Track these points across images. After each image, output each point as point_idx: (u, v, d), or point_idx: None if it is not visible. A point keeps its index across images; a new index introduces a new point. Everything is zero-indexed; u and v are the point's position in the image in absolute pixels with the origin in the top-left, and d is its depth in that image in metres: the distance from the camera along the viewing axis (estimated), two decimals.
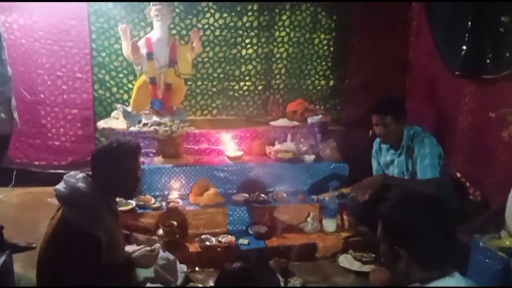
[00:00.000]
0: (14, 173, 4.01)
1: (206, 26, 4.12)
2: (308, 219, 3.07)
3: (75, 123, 4.07)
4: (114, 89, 4.09)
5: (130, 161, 1.96)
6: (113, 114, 3.82)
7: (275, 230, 2.98)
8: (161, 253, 2.38)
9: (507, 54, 2.91)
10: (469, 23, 3.20)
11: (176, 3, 4.00)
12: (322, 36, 4.37)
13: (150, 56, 3.63)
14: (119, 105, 3.91)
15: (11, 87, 2.86)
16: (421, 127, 2.76)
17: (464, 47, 3.25)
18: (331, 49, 4.41)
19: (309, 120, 3.73)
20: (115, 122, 3.57)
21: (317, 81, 4.48)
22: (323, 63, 4.43)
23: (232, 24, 4.15)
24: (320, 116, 3.76)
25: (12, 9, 3.73)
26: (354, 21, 4.33)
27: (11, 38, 3.81)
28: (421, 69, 4.22)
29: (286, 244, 2.86)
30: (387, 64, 4.40)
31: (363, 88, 4.37)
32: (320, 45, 4.39)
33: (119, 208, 2.83)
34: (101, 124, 3.58)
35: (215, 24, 4.13)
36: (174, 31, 4.05)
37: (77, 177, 1.91)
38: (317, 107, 4.36)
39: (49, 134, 4.07)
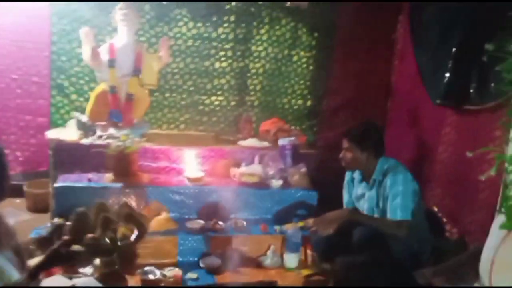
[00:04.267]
0: None
1: (178, 35, 3.86)
2: (268, 252, 2.77)
3: (28, 131, 3.77)
4: (74, 96, 3.79)
5: None
6: (70, 123, 3.52)
7: (231, 263, 2.67)
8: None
9: (492, 85, 2.69)
10: (453, 50, 2.98)
11: (147, 9, 3.75)
12: (302, 53, 4.14)
13: (112, 63, 3.35)
14: (77, 114, 3.62)
15: None
16: (396, 160, 2.51)
17: (447, 75, 3.03)
18: (310, 67, 4.18)
19: (280, 142, 3.48)
20: (66, 132, 3.27)
21: (293, 100, 4.24)
22: (301, 82, 4.20)
23: (206, 35, 3.90)
24: (292, 138, 3.50)
25: None
26: (337, 40, 4.12)
27: None
28: (403, 95, 4.00)
29: (239, 280, 2.55)
30: (369, 87, 4.19)
31: (342, 110, 4.16)
32: (299, 63, 4.16)
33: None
34: (50, 133, 3.27)
35: (188, 33, 3.87)
36: (143, 38, 3.79)
37: None
38: (293, 127, 4.10)
39: None
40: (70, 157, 3.20)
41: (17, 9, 3.51)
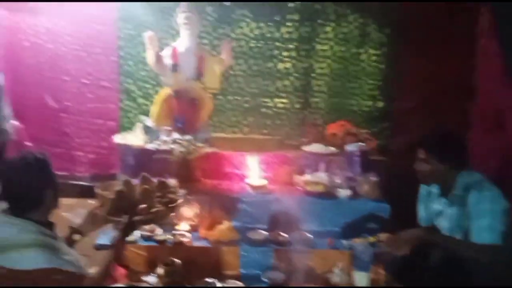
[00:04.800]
0: None
1: (241, 36, 3.77)
2: (335, 269, 2.59)
3: (99, 134, 3.89)
4: (141, 100, 3.85)
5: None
6: (137, 127, 3.56)
7: (295, 278, 2.53)
8: None
9: None
10: None
11: (209, 11, 3.70)
12: (371, 51, 3.87)
13: (175, 68, 3.35)
14: (144, 118, 3.67)
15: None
16: (480, 174, 2.20)
17: None
18: (381, 66, 3.89)
19: (348, 148, 3.26)
20: (133, 137, 3.30)
21: (363, 101, 3.97)
22: (371, 81, 3.92)
23: (269, 35, 3.78)
24: (361, 143, 3.27)
25: (38, 11, 3.59)
26: (410, 35, 3.78)
27: (38, 42, 3.70)
28: (488, 96, 3.58)
29: None
30: (448, 86, 3.81)
31: (418, 112, 3.79)
32: (368, 61, 3.89)
33: None
34: (117, 138, 3.31)
35: (251, 34, 3.78)
36: (205, 41, 3.75)
37: None
38: (362, 131, 3.86)
39: (72, 144, 3.91)
40: (136, 161, 3.23)
41: (84, 15, 3.64)
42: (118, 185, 2.10)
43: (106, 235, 2.64)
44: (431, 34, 3.71)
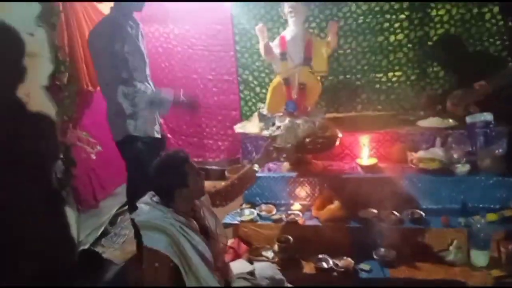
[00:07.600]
0: None
1: (348, 14, 3.75)
2: (451, 247, 2.52)
3: (225, 123, 4.33)
4: (258, 89, 4.15)
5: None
6: (254, 116, 3.87)
7: (407, 256, 2.55)
8: (266, 272, 2.31)
9: None
10: None
11: None
12: (497, 8, 3.46)
13: (283, 56, 3.50)
14: (262, 105, 3.96)
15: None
16: None
17: None
18: (510, 23, 3.45)
19: (468, 120, 3.04)
20: (250, 125, 3.61)
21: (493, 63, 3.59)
22: (498, 42, 3.54)
23: (377, 8, 3.67)
24: (484, 113, 3.01)
25: (167, 20, 4.12)
26: None
27: (169, 47, 4.25)
28: None
29: (416, 276, 2.42)
30: None
31: None
32: (493, 20, 3.50)
33: (241, 218, 2.90)
34: (237, 128, 3.67)
35: (358, 10, 3.73)
36: (313, 24, 3.84)
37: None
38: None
39: (204, 133, 4.44)
40: (254, 147, 3.57)
41: (204, 18, 4.04)
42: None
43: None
44: None
